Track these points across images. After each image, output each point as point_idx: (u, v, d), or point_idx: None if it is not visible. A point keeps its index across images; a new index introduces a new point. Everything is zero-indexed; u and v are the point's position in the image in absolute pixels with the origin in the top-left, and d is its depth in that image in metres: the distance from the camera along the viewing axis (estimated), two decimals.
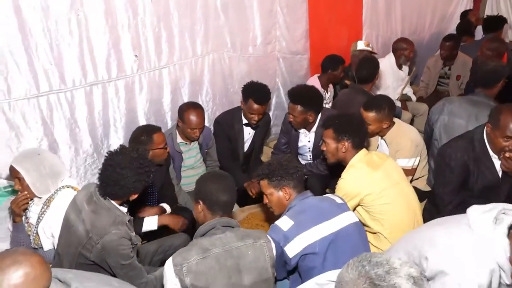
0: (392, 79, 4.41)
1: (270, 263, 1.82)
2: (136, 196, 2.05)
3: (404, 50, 4.34)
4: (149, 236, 2.64)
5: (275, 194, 2.14)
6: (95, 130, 2.95)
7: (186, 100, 3.45)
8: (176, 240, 2.55)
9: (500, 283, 1.55)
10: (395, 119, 3.01)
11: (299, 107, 3.03)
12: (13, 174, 2.16)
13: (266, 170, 2.15)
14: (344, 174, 2.45)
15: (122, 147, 2.05)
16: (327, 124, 2.55)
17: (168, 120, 3.41)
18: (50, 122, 2.72)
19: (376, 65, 3.63)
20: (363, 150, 2.49)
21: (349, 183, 2.39)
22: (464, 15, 5.93)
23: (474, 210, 1.65)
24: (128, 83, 3.04)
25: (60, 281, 1.41)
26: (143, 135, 2.64)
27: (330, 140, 2.50)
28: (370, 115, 2.85)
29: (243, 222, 3.01)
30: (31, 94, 2.58)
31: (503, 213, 1.59)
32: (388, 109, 2.87)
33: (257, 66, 3.91)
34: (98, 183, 2.02)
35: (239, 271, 1.76)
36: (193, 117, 2.93)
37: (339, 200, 2.16)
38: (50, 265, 1.46)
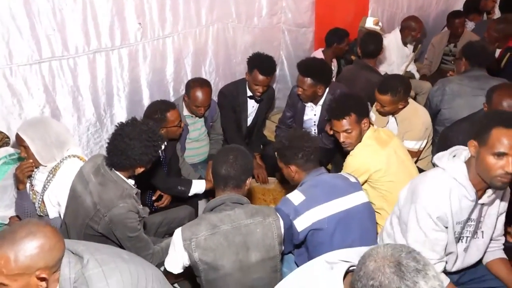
0: (396, 55, 4.36)
1: (278, 241, 1.84)
2: (142, 170, 2.04)
3: (412, 30, 4.24)
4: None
5: (285, 170, 2.22)
6: (98, 99, 2.91)
7: (189, 70, 3.39)
8: (181, 212, 2.57)
9: (461, 206, 1.77)
10: (409, 99, 2.93)
11: (309, 80, 2.97)
12: (19, 142, 2.14)
13: (276, 148, 2.22)
14: (353, 151, 2.45)
15: (133, 119, 2.04)
16: (346, 112, 2.38)
17: (171, 91, 3.36)
18: (52, 89, 2.68)
19: (382, 39, 3.64)
20: (372, 127, 2.49)
21: (358, 159, 2.39)
22: None
23: (437, 154, 1.92)
24: (132, 51, 2.98)
25: (72, 253, 1.42)
26: (157, 113, 2.61)
27: (353, 125, 2.39)
28: (385, 98, 2.77)
29: None
30: (33, 60, 2.53)
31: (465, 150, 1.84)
32: (404, 91, 2.78)
33: (261, 38, 3.84)
34: (106, 153, 2.01)
35: (247, 248, 1.78)
36: (199, 95, 2.88)
37: (352, 179, 2.17)
38: None
